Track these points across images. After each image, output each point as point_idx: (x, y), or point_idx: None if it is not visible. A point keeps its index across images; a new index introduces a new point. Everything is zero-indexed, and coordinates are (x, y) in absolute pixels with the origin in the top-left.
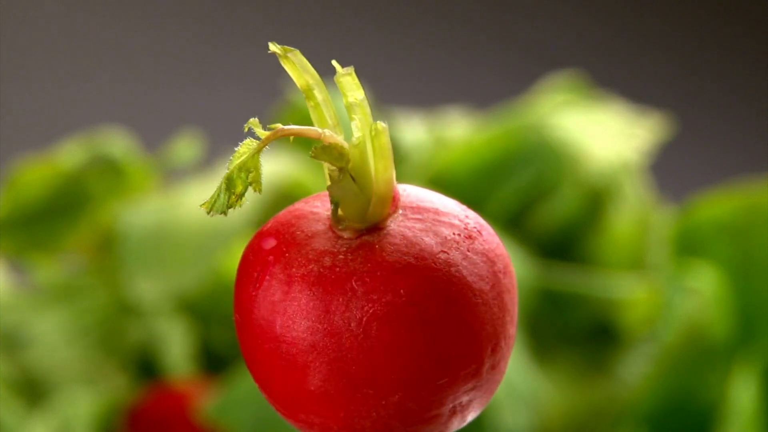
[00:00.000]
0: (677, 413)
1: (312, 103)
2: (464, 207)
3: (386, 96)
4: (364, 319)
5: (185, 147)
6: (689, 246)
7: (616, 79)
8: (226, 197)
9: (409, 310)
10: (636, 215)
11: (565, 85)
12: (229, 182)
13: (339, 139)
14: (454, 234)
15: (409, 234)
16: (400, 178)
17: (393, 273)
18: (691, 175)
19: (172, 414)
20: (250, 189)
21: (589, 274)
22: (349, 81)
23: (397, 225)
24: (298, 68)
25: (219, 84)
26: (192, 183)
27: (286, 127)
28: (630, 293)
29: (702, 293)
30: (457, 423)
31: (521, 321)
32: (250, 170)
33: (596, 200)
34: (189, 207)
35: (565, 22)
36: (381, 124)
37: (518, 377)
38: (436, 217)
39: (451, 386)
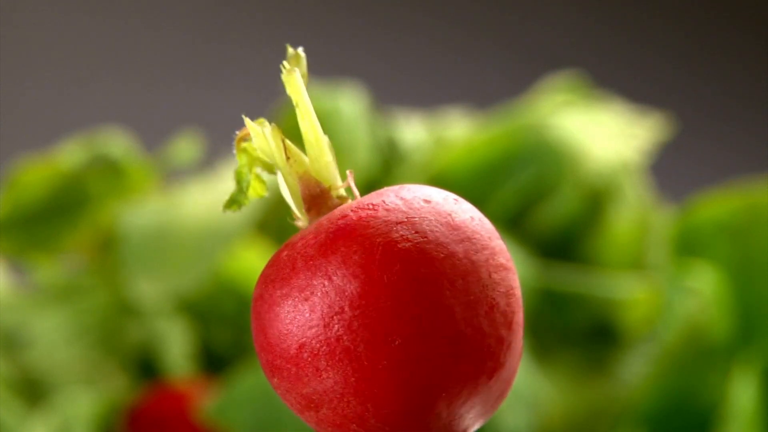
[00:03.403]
0: (677, 413)
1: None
2: (391, 199)
3: (386, 96)
4: (255, 311)
5: (185, 147)
6: (689, 246)
7: (616, 79)
8: (236, 194)
9: (262, 305)
10: (636, 215)
11: (565, 85)
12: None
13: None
14: (327, 226)
15: (306, 229)
16: (401, 179)
17: (266, 268)
18: (691, 175)
19: (172, 414)
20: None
21: (589, 274)
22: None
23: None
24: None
25: (219, 84)
26: (192, 183)
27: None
28: (630, 293)
29: (702, 293)
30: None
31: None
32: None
33: (596, 200)
34: (189, 207)
35: (565, 22)
36: (254, 128)
37: (518, 377)
38: (338, 213)
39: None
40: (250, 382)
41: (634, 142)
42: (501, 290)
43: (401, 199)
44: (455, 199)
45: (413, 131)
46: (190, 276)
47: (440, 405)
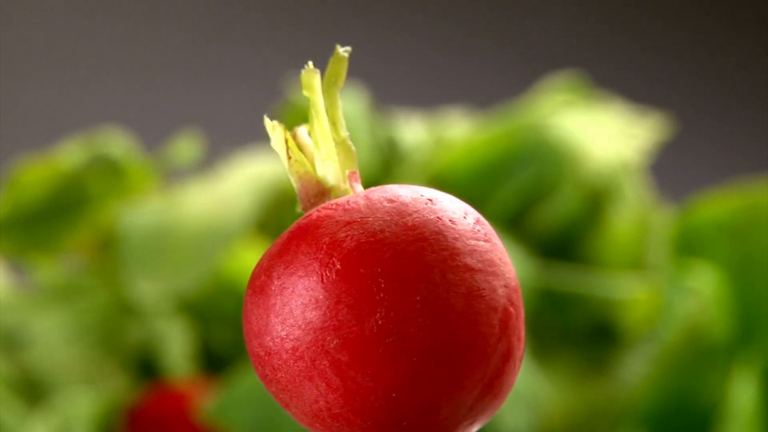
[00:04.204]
0: (677, 413)
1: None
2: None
3: (386, 96)
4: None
5: (185, 147)
6: (689, 246)
7: (616, 79)
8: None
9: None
10: (636, 215)
11: (565, 85)
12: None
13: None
14: (292, 226)
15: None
16: (400, 178)
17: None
18: (691, 175)
19: (172, 414)
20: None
21: (589, 274)
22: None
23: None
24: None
25: (219, 84)
26: (192, 183)
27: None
28: (630, 293)
29: (702, 293)
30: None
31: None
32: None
33: (596, 200)
34: (189, 207)
35: (565, 22)
36: (270, 128)
37: (518, 377)
38: (306, 213)
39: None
40: (250, 382)
41: (634, 142)
42: (459, 291)
43: (366, 199)
44: (429, 199)
45: (413, 131)
46: (190, 276)
47: (394, 406)
